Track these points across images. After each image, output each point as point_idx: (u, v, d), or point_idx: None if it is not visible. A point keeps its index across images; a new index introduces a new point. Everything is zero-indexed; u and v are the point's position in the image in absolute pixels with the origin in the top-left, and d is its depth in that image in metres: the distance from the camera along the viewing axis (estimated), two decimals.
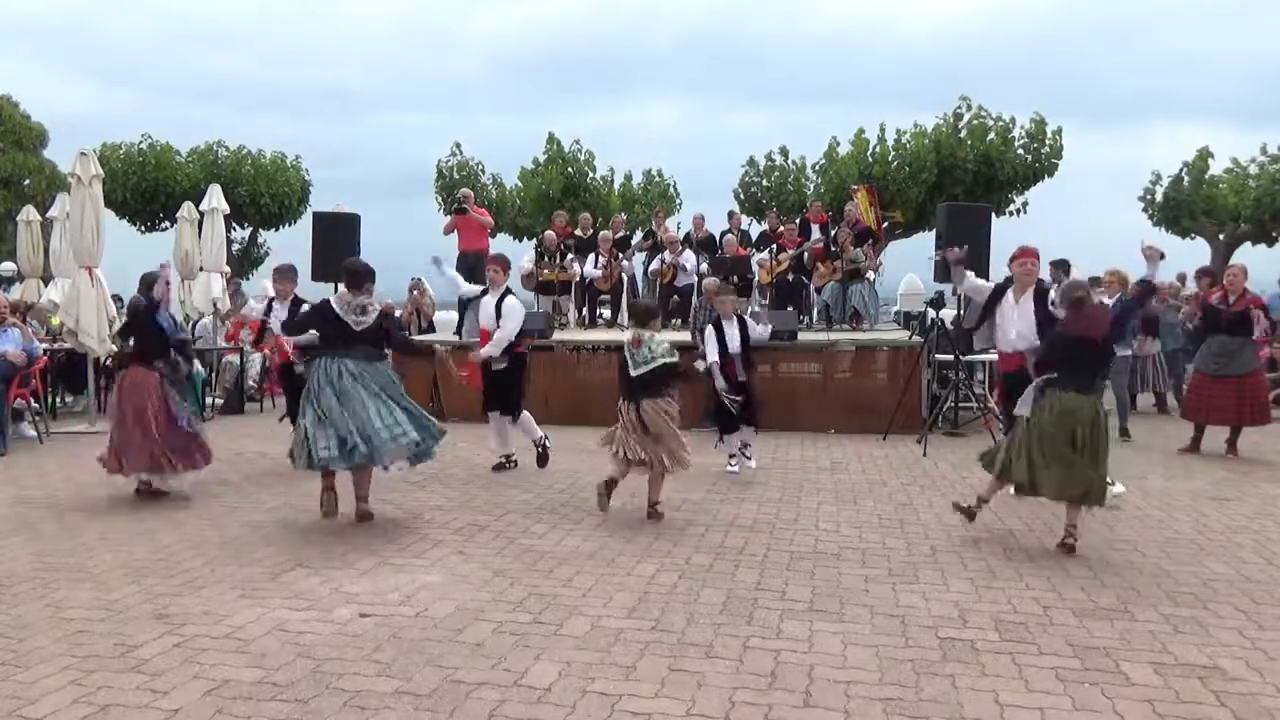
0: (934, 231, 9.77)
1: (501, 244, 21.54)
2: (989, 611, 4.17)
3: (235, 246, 22.48)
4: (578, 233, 13.53)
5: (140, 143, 23.29)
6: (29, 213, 14.90)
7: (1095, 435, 5.06)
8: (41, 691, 3.31)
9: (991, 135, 20.51)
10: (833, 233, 12.41)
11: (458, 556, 5.06)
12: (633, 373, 5.87)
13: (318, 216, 10.30)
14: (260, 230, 24.84)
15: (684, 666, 3.54)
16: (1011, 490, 5.43)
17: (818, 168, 21.73)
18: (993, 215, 10.22)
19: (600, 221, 17.43)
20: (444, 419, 10.54)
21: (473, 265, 11.10)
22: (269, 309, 7.73)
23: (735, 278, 10.66)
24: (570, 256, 12.71)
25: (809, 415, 9.85)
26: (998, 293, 6.83)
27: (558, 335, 11.23)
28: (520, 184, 23.85)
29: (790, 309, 11.48)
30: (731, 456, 7.51)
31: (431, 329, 13.54)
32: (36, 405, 9.61)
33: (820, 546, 5.29)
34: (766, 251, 12.34)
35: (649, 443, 5.76)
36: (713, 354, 7.12)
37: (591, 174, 22.99)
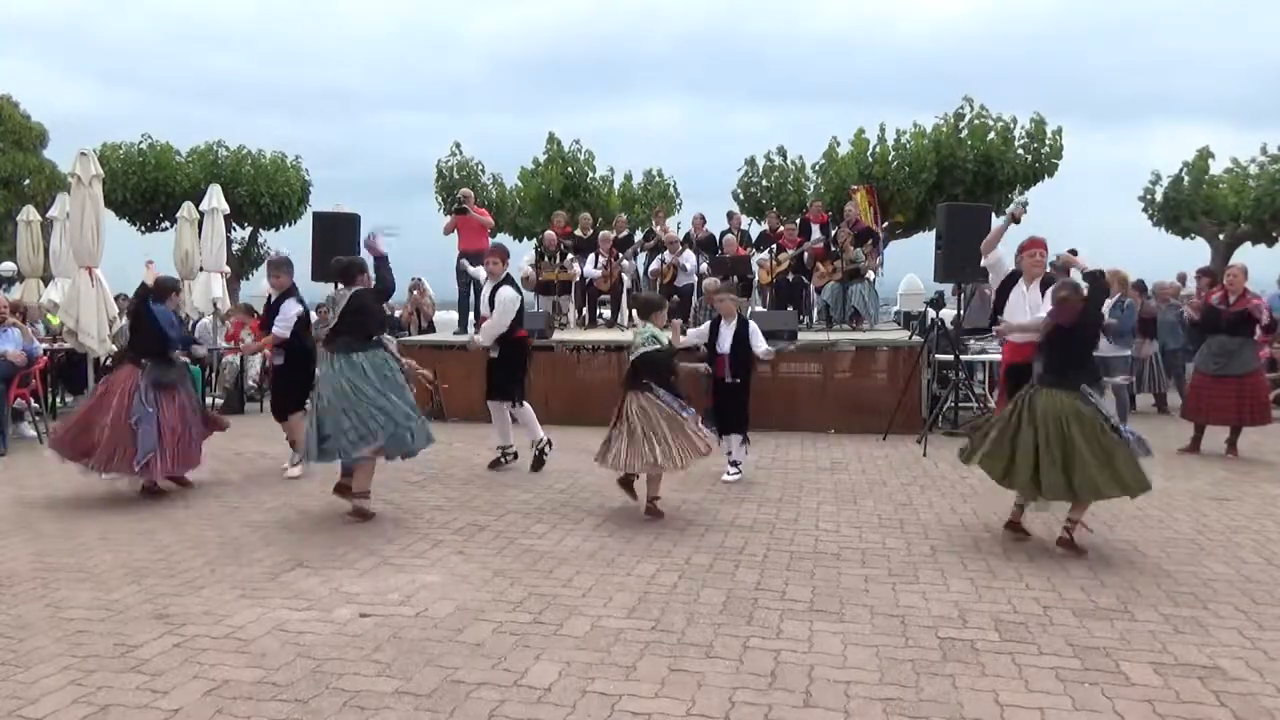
0: (934, 231, 9.75)
1: (501, 244, 21.53)
2: (989, 611, 4.17)
3: (235, 246, 22.47)
4: (578, 233, 13.53)
5: (140, 143, 23.28)
6: (29, 213, 14.88)
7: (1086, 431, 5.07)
8: (41, 691, 3.31)
9: (991, 135, 20.50)
10: (833, 233, 12.41)
11: (458, 556, 5.06)
12: (629, 357, 5.99)
13: (318, 216, 10.29)
14: (260, 230, 24.82)
15: (684, 666, 3.54)
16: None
17: (818, 168, 21.72)
18: (993, 215, 10.20)
19: (600, 221, 17.43)
20: (444, 419, 10.57)
21: (473, 265, 11.10)
22: (268, 302, 7.73)
23: (735, 277, 10.66)
24: (570, 257, 12.71)
25: (809, 415, 9.84)
26: (1010, 281, 6.82)
27: (558, 335, 11.23)
28: (520, 184, 23.85)
29: (790, 309, 11.48)
30: (733, 465, 7.31)
31: (431, 329, 13.55)
32: (36, 405, 9.61)
33: (820, 546, 5.29)
34: (766, 251, 12.35)
35: (641, 441, 5.72)
36: (695, 337, 7.16)
37: (591, 174, 22.98)
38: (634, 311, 12.88)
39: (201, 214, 13.74)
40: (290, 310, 7.32)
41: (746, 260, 11.92)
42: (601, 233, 13.59)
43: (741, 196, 22.20)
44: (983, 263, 7.26)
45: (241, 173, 23.18)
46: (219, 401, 11.78)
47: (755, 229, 14.03)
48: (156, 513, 6.11)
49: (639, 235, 14.28)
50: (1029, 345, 6.49)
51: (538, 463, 7.54)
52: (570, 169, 22.55)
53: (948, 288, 10.18)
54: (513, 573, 4.76)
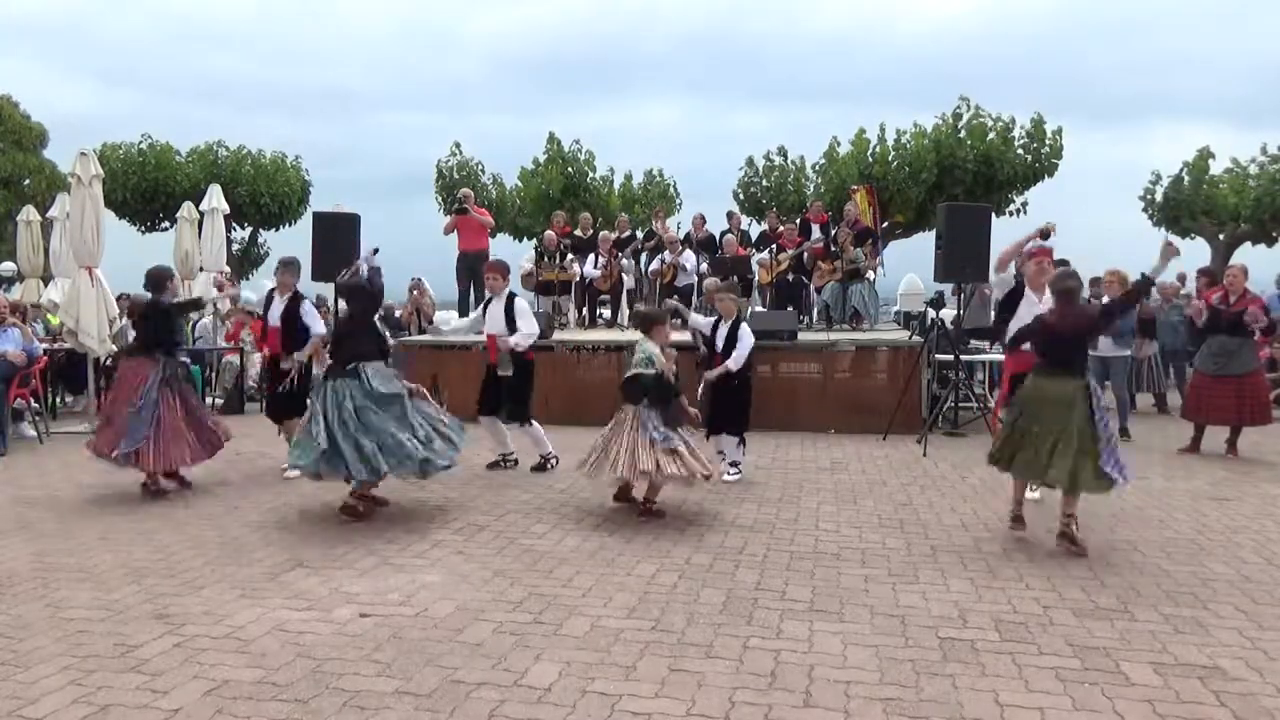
0: (934, 231, 9.75)
1: (501, 244, 21.57)
2: (989, 611, 4.17)
3: (235, 246, 22.48)
4: (577, 233, 13.53)
5: (140, 143, 23.28)
6: (29, 213, 14.88)
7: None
8: (41, 691, 3.31)
9: (991, 135, 20.51)
10: (833, 233, 12.41)
11: (458, 556, 5.06)
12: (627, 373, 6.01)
13: (318, 216, 10.29)
14: (260, 230, 24.83)
15: (684, 666, 3.54)
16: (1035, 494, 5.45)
17: (818, 168, 21.73)
18: (993, 215, 10.20)
19: (600, 221, 17.43)
20: None
21: (473, 265, 11.12)
22: (269, 302, 7.71)
23: (735, 277, 10.65)
24: (570, 257, 12.72)
25: (809, 415, 9.84)
26: (1016, 294, 6.78)
27: (558, 335, 11.23)
28: (520, 184, 23.85)
29: (790, 309, 11.48)
30: (733, 465, 7.29)
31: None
32: (36, 405, 9.61)
33: (820, 546, 5.29)
34: (766, 251, 12.35)
35: (632, 450, 5.71)
36: (701, 325, 7.20)
37: (591, 174, 22.99)
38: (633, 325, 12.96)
39: (201, 214, 13.75)
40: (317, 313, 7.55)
41: (746, 260, 11.92)
42: (601, 233, 13.59)
43: (741, 196, 22.21)
44: (993, 278, 7.20)
45: (241, 173, 23.18)
46: (219, 401, 11.79)
47: (755, 229, 14.03)
48: (156, 513, 6.11)
49: (639, 235, 14.29)
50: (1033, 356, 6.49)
51: (540, 468, 7.57)
52: (570, 169, 22.55)
53: (948, 288, 10.18)
54: (513, 573, 4.76)
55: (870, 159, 20.88)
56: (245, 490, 6.87)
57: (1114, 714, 3.17)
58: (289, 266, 7.67)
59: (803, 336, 10.59)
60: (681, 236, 12.83)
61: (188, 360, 7.07)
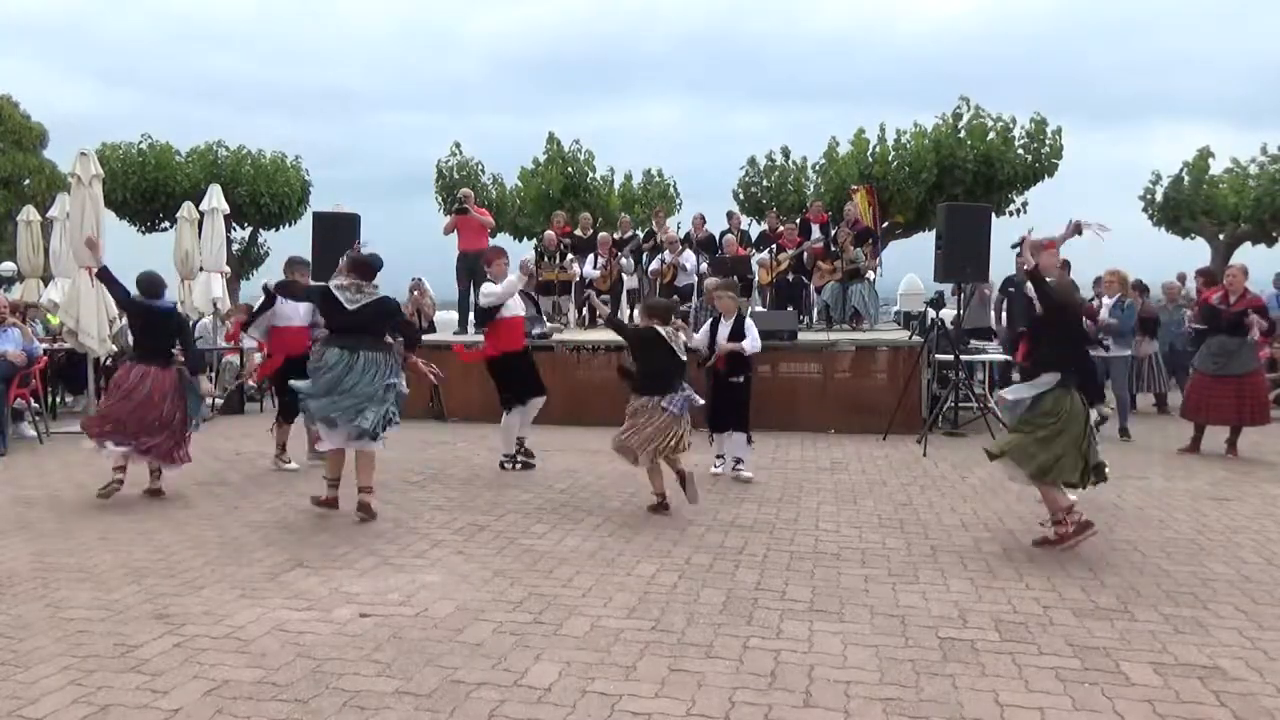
0: (934, 231, 9.75)
1: (501, 244, 21.50)
2: (989, 611, 4.17)
3: (235, 246, 22.47)
4: (577, 233, 13.53)
5: (140, 143, 23.28)
6: (29, 213, 14.88)
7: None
8: (41, 691, 3.31)
9: (991, 135, 20.50)
10: (833, 233, 12.41)
11: (458, 556, 5.06)
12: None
13: (318, 216, 10.29)
14: (260, 230, 24.83)
15: (684, 666, 3.54)
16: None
17: (818, 168, 21.72)
18: (993, 215, 10.20)
19: (600, 221, 17.42)
20: (444, 419, 10.58)
21: (473, 265, 11.11)
22: (270, 302, 7.71)
23: (735, 277, 10.65)
24: (570, 257, 12.71)
25: (809, 415, 9.85)
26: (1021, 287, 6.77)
27: (558, 335, 11.23)
28: (520, 184, 23.85)
29: (790, 309, 11.48)
30: (719, 458, 7.42)
31: (432, 329, 13.54)
32: (36, 405, 9.61)
33: (820, 546, 5.29)
34: (766, 251, 12.34)
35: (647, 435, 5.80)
36: (698, 340, 7.15)
37: (591, 174, 22.98)
38: (636, 310, 12.94)
39: (201, 214, 13.74)
40: None
41: (746, 260, 11.92)
42: (601, 233, 13.59)
43: (741, 196, 22.21)
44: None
45: (241, 173, 23.18)
46: (219, 401, 11.79)
47: (755, 229, 14.03)
48: (156, 513, 6.11)
49: (639, 235, 14.29)
50: None
51: (506, 465, 7.65)
52: (570, 169, 22.54)
53: (948, 288, 10.19)
54: (513, 573, 4.76)
55: (870, 159, 20.87)
56: (245, 490, 6.87)
57: (1114, 714, 3.17)
58: (296, 265, 7.65)
59: (803, 336, 10.59)
60: (681, 236, 12.83)
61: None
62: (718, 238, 12.65)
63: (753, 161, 22.26)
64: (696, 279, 11.89)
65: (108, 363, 10.30)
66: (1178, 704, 3.24)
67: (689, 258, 12.30)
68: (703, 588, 4.52)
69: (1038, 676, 3.46)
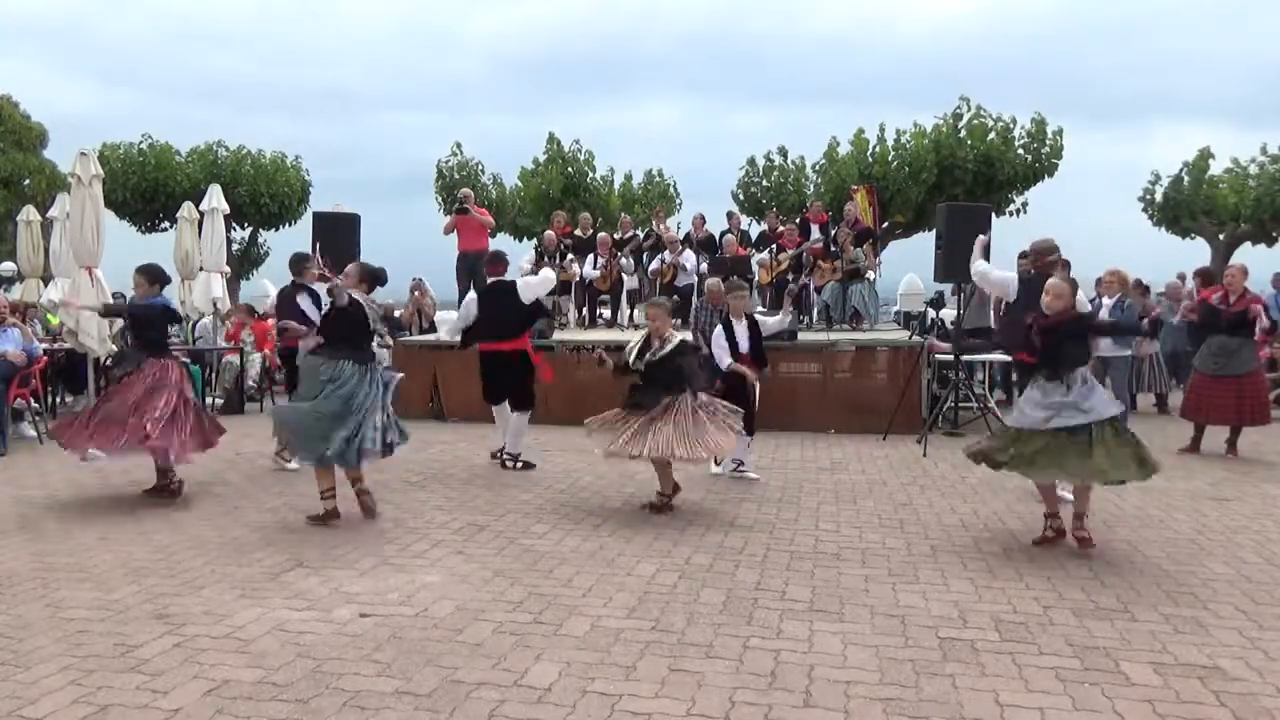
0: (934, 231, 9.75)
1: (501, 244, 21.56)
2: (989, 611, 4.17)
3: (235, 246, 22.48)
4: (577, 233, 13.53)
5: (140, 143, 23.29)
6: (29, 213, 14.87)
7: None
8: (41, 691, 3.31)
9: (991, 135, 20.51)
10: (833, 233, 12.41)
11: (458, 556, 5.06)
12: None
13: (318, 216, 10.28)
14: (260, 230, 24.84)
15: (684, 666, 3.54)
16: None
17: (818, 168, 21.74)
18: (993, 215, 10.20)
19: (600, 221, 17.41)
20: (444, 419, 10.58)
21: (473, 265, 11.10)
22: (285, 301, 7.71)
23: (735, 277, 10.65)
24: (570, 257, 12.71)
25: (809, 415, 9.84)
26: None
27: (558, 335, 11.23)
28: (520, 184, 23.87)
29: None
30: (741, 464, 7.32)
31: (432, 329, 13.55)
32: (36, 405, 9.60)
33: (820, 546, 5.29)
34: (766, 251, 12.35)
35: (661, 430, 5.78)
36: (726, 358, 7.05)
37: (591, 174, 23.00)
38: (636, 310, 12.95)
39: (201, 214, 13.73)
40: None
41: (746, 260, 11.92)
42: (600, 233, 13.59)
43: (741, 196, 22.22)
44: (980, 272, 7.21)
45: (241, 173, 23.19)
46: (219, 401, 11.79)
47: (755, 229, 14.03)
48: (156, 513, 6.10)
49: (640, 235, 14.29)
50: None
51: (498, 457, 7.75)
52: (570, 169, 22.56)
53: (948, 288, 10.19)
54: (513, 573, 4.76)
55: (870, 159, 20.88)
56: (245, 490, 6.87)
57: (1114, 714, 3.17)
58: (300, 261, 7.64)
59: (803, 336, 10.59)
60: (681, 236, 12.83)
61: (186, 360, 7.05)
62: (718, 238, 12.66)
63: (752, 161, 22.27)
64: (696, 279, 11.90)
65: (107, 363, 10.29)
66: (1178, 704, 3.24)
67: (689, 258, 12.30)
68: (703, 588, 4.52)
69: (1038, 676, 3.46)
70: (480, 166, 24.07)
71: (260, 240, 25.24)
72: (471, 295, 7.89)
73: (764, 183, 22.11)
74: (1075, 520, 5.17)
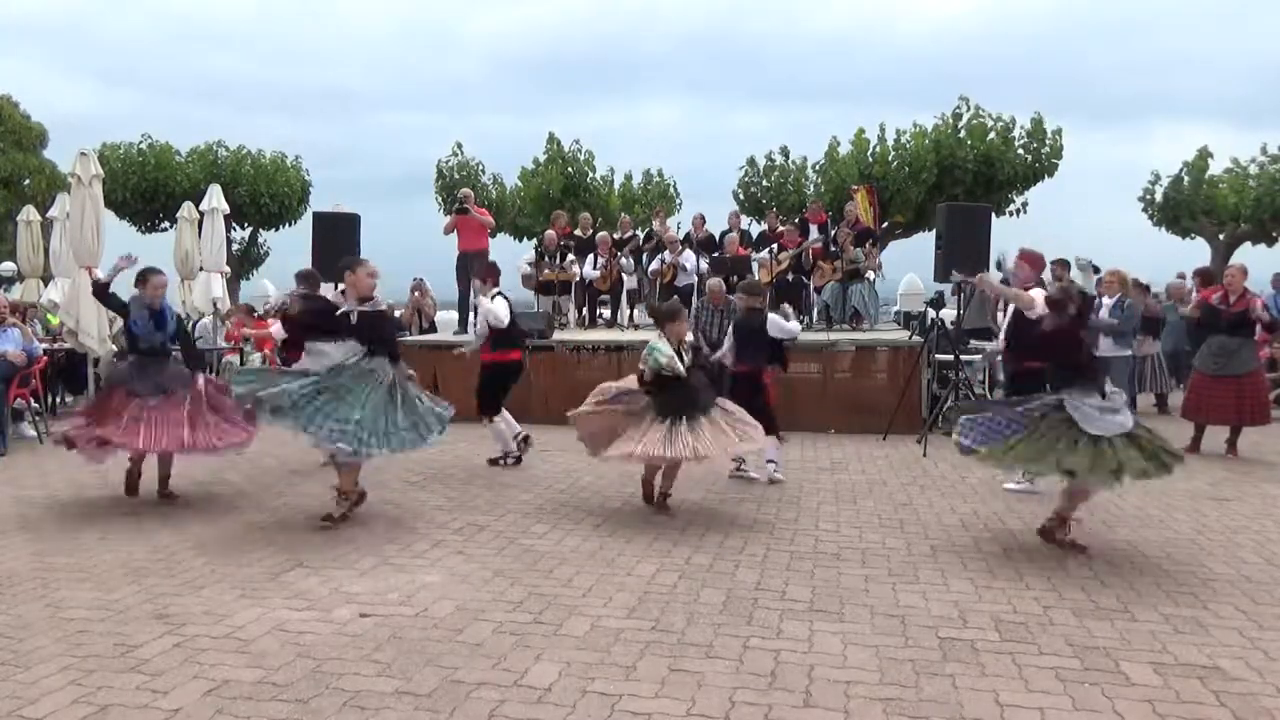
0: (934, 231, 9.76)
1: (501, 244, 21.61)
2: (989, 611, 4.17)
3: (235, 246, 22.49)
4: (577, 233, 13.53)
5: (140, 143, 23.31)
6: (29, 213, 14.88)
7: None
8: (41, 691, 3.31)
9: (991, 135, 20.52)
10: (832, 233, 12.41)
11: (458, 556, 5.06)
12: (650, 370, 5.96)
13: (318, 216, 10.30)
14: (260, 230, 24.86)
15: (684, 666, 3.54)
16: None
17: (818, 168, 21.74)
18: (993, 215, 10.21)
19: (600, 221, 17.42)
20: None
21: (473, 265, 11.11)
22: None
23: (735, 276, 10.65)
24: (570, 257, 12.72)
25: (809, 415, 9.83)
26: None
27: (558, 335, 11.23)
28: (520, 184, 23.88)
29: (790, 309, 11.47)
30: (771, 463, 7.21)
31: (433, 329, 13.55)
32: (36, 405, 9.60)
33: (820, 546, 5.29)
34: (766, 251, 12.35)
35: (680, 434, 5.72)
36: (725, 352, 7.09)
37: (591, 174, 23.00)
38: (636, 310, 12.96)
39: (201, 214, 13.75)
40: None
41: (746, 260, 11.92)
42: (600, 233, 13.59)
43: (741, 196, 22.22)
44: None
45: (241, 173, 23.21)
46: None
47: (755, 229, 14.03)
48: (156, 513, 6.10)
49: (639, 235, 14.29)
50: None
51: (495, 462, 7.82)
52: (570, 169, 22.56)
53: (948, 288, 10.18)
54: (513, 573, 4.76)
55: (870, 159, 20.89)
56: (245, 490, 6.87)
57: (1114, 714, 3.17)
58: (306, 279, 7.60)
59: (803, 336, 10.58)
60: (681, 236, 12.83)
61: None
62: (719, 237, 12.66)
63: (752, 162, 22.27)
64: (696, 279, 11.90)
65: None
66: (1178, 704, 3.24)
67: (689, 258, 12.30)
68: (703, 588, 4.52)
69: (1038, 676, 3.46)
70: (480, 166, 24.10)
71: (260, 240, 25.27)
72: (502, 301, 7.83)
73: (764, 183, 22.11)
74: (1059, 523, 5.18)
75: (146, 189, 22.81)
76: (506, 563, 4.94)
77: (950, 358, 9.47)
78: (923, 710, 3.19)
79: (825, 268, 11.98)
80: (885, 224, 16.53)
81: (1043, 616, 4.11)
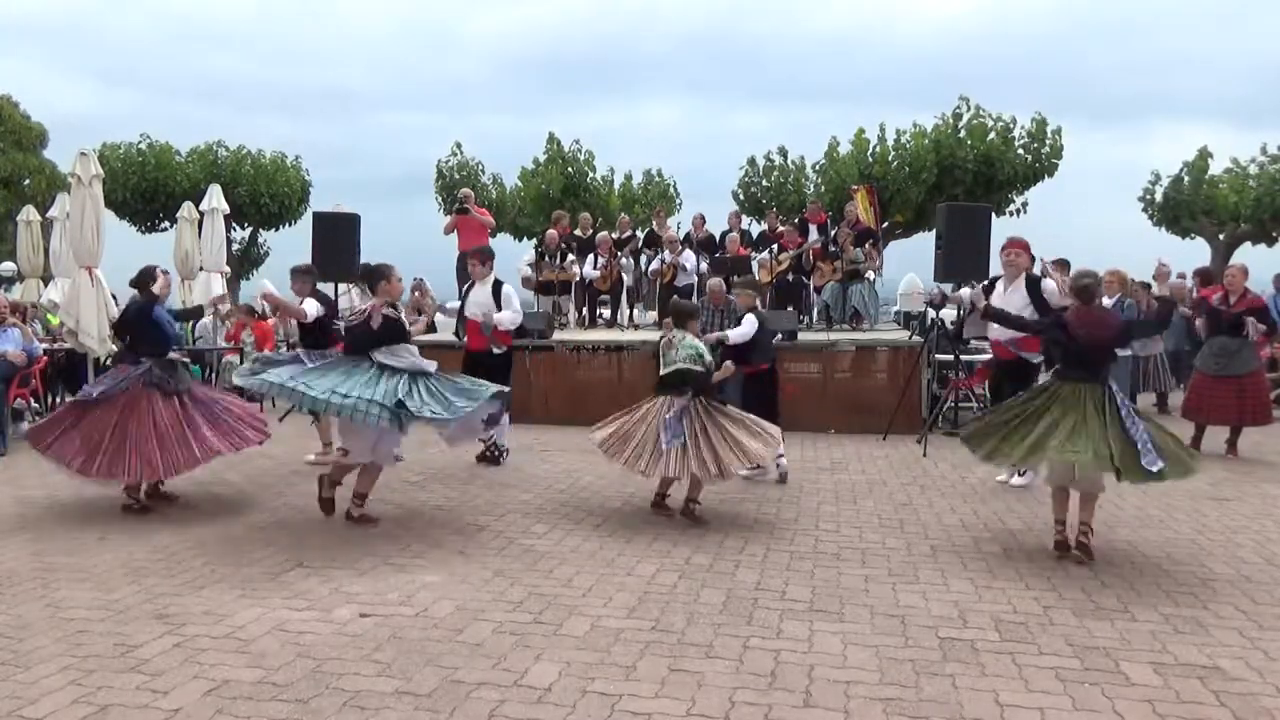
0: (934, 231, 9.75)
1: (501, 244, 21.59)
2: (989, 611, 4.17)
3: (235, 246, 22.49)
4: (578, 233, 13.53)
5: (140, 143, 23.31)
6: (29, 213, 14.88)
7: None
8: (41, 691, 3.31)
9: (991, 135, 20.51)
10: (832, 233, 12.41)
11: (458, 556, 5.06)
12: (661, 371, 5.93)
13: (318, 216, 10.29)
14: (260, 230, 24.87)
15: (684, 666, 3.54)
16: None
17: (818, 168, 21.74)
18: (993, 215, 10.20)
19: (600, 221, 17.41)
20: None
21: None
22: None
23: (735, 276, 10.65)
24: (570, 257, 12.71)
25: (809, 415, 9.83)
26: (989, 287, 6.96)
27: (558, 335, 11.23)
28: (520, 184, 23.88)
29: (790, 309, 11.48)
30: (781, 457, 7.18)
31: (433, 329, 13.52)
32: (36, 405, 9.60)
33: (820, 546, 5.29)
34: (766, 251, 12.35)
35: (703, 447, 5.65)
36: (737, 337, 7.07)
37: (591, 174, 23.00)
38: (636, 310, 12.95)
39: (201, 214, 13.74)
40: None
41: (746, 260, 11.92)
42: (600, 233, 13.59)
43: (741, 196, 22.22)
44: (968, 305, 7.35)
45: (241, 173, 23.21)
46: None
47: (755, 229, 14.03)
48: (157, 513, 6.10)
49: (639, 235, 14.29)
50: (1025, 341, 6.54)
51: (486, 458, 7.87)
52: (570, 169, 22.56)
53: (948, 287, 10.18)
54: (513, 573, 4.76)
55: (870, 159, 20.89)
56: (245, 490, 6.87)
57: (1114, 714, 3.17)
58: (301, 274, 7.59)
59: (803, 336, 10.59)
60: (681, 236, 12.83)
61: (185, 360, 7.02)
62: (719, 237, 12.66)
63: (752, 161, 22.27)
64: (696, 279, 11.90)
65: (108, 363, 10.29)
66: (1178, 704, 3.25)
67: (689, 258, 12.30)
68: (703, 588, 4.52)
69: (1038, 676, 3.46)
70: (480, 166, 24.11)
71: (260, 240, 25.27)
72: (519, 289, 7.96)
73: (764, 183, 22.11)
74: (1058, 526, 5.15)
75: (146, 189, 22.82)
76: (506, 563, 4.94)
77: (950, 357, 9.48)
78: (923, 710, 3.19)
79: (825, 268, 11.98)
80: (885, 224, 16.50)
81: (1043, 616, 4.11)
